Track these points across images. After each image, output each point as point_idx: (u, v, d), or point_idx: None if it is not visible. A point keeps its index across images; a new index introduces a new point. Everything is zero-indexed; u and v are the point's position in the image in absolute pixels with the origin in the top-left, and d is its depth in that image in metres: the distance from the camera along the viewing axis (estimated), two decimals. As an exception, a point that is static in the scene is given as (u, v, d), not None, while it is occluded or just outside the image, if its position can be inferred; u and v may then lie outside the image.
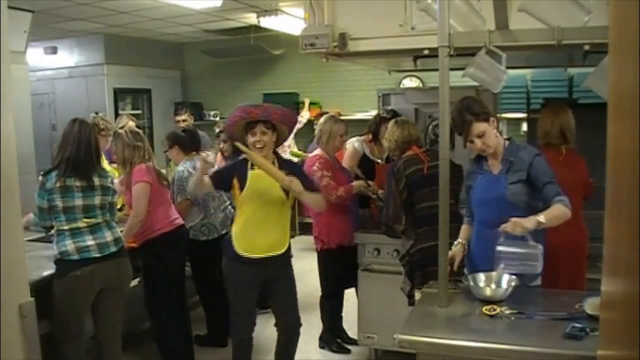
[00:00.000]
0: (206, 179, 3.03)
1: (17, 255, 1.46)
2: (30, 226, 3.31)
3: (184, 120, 5.81)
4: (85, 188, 2.98)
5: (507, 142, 2.58)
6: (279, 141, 3.18)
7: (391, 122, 3.52)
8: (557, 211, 2.34)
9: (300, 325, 3.27)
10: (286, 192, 3.05)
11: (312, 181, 3.31)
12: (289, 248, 3.15)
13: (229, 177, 3.08)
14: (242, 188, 3.02)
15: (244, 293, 3.13)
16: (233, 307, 3.20)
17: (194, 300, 4.29)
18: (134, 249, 3.41)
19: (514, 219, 2.28)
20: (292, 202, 3.14)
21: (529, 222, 2.27)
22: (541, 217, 2.29)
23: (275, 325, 3.27)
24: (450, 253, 2.52)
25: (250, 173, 3.02)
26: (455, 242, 2.66)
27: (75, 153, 2.96)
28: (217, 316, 4.17)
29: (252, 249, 3.02)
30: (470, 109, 2.49)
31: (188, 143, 4.09)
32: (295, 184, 2.95)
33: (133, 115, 7.70)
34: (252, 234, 3.03)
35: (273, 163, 3.07)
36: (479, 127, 2.47)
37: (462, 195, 2.94)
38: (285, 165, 3.14)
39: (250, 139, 3.03)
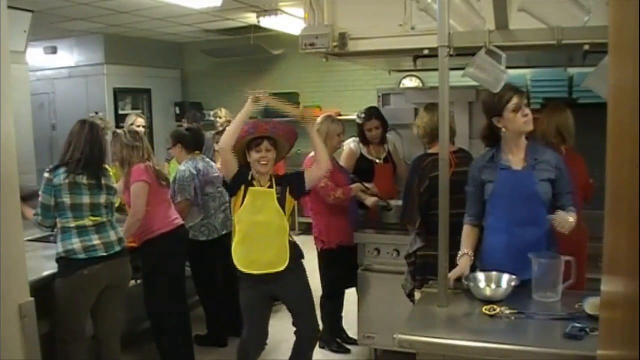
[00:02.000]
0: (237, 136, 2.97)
1: (17, 255, 1.46)
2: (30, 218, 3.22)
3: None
4: (93, 186, 3.01)
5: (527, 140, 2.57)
6: (279, 158, 3.18)
7: (422, 107, 3.37)
8: (575, 219, 2.45)
9: (315, 331, 3.25)
10: (282, 205, 3.04)
11: (301, 173, 3.27)
12: (292, 263, 3.06)
13: (242, 179, 3.04)
14: (241, 203, 3.01)
15: (252, 308, 3.15)
16: (244, 321, 3.21)
17: (194, 300, 4.29)
18: (134, 249, 3.41)
19: (560, 217, 2.36)
20: (289, 214, 3.10)
21: (571, 220, 2.35)
22: (573, 217, 2.38)
23: (295, 332, 3.24)
24: (459, 269, 2.46)
25: (249, 190, 3.01)
26: (460, 254, 2.54)
27: (90, 153, 3.00)
28: (217, 316, 4.17)
29: (250, 265, 3.01)
30: (510, 85, 2.48)
31: (191, 142, 4.09)
32: (311, 118, 3.03)
33: (133, 115, 7.70)
34: (250, 250, 3.01)
35: (270, 179, 3.07)
36: (522, 99, 2.47)
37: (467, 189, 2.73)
38: (282, 179, 3.14)
39: (255, 156, 3.02)
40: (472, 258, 2.55)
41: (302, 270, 3.21)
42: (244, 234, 3.01)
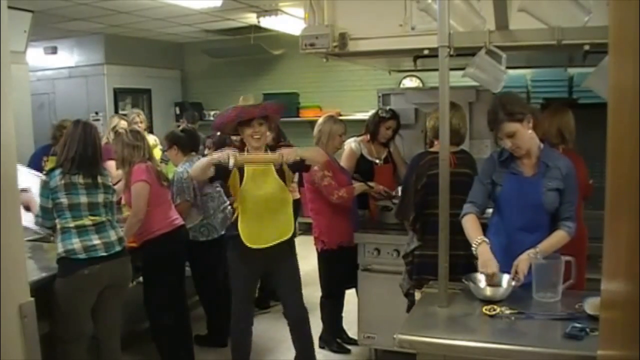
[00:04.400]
0: (211, 168, 3.02)
1: (17, 255, 1.46)
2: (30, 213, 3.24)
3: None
4: (90, 185, 3.01)
5: (542, 145, 2.53)
6: (270, 127, 3.29)
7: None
8: (555, 239, 2.44)
9: (305, 310, 3.30)
10: (282, 177, 3.09)
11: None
12: (295, 232, 3.20)
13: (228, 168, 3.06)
14: (240, 182, 3.06)
15: (248, 282, 3.24)
16: (235, 297, 3.26)
17: (194, 300, 4.29)
18: (134, 249, 3.41)
19: (518, 268, 2.36)
20: (289, 184, 3.18)
21: (525, 268, 2.35)
22: (537, 249, 2.37)
23: (284, 314, 3.33)
24: (491, 260, 2.37)
25: (246, 167, 3.05)
26: (478, 242, 2.41)
27: (83, 151, 3.00)
28: (217, 316, 4.17)
29: (259, 240, 3.08)
30: (505, 107, 2.43)
31: (187, 143, 4.08)
32: (287, 152, 2.95)
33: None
34: (258, 226, 3.08)
35: (265, 150, 3.13)
36: (510, 127, 2.42)
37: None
38: (276, 149, 3.16)
39: (247, 131, 3.06)
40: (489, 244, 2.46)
41: (295, 250, 3.32)
42: (249, 211, 3.06)
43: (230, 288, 3.31)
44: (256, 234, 3.07)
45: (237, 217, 3.10)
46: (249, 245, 3.05)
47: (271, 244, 3.08)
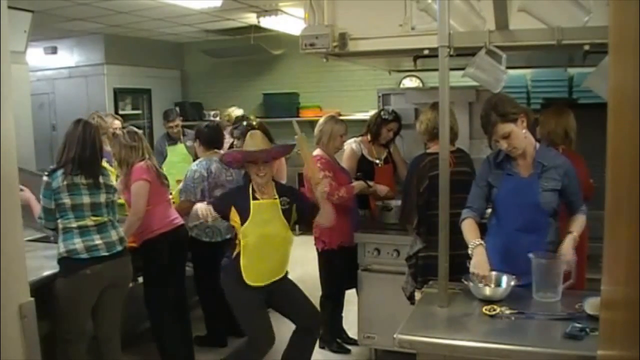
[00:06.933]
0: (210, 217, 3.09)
1: (17, 255, 1.46)
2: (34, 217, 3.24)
3: (176, 126, 5.85)
4: (92, 186, 3.01)
5: (537, 144, 2.53)
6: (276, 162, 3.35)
7: (427, 106, 3.36)
8: (581, 221, 2.53)
9: (319, 321, 3.29)
10: (287, 218, 3.09)
11: (311, 205, 3.28)
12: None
13: (227, 208, 3.08)
14: (244, 219, 3.01)
15: (258, 315, 3.14)
16: (249, 327, 3.16)
17: (194, 300, 4.29)
18: (134, 249, 3.41)
19: (564, 256, 2.40)
20: (292, 224, 3.18)
21: (570, 249, 2.41)
22: (575, 234, 2.45)
23: (295, 323, 3.22)
24: (483, 262, 2.38)
25: (252, 203, 3.02)
26: (473, 245, 2.43)
27: (81, 152, 2.99)
28: (217, 316, 4.17)
29: (260, 278, 3.06)
30: (497, 108, 2.43)
31: (207, 139, 4.06)
32: (324, 183, 3.11)
33: (133, 115, 7.69)
34: (259, 263, 3.05)
35: (273, 187, 3.13)
36: (505, 128, 2.42)
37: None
38: (284, 191, 3.17)
39: (252, 168, 3.05)
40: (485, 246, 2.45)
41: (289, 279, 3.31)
42: (250, 248, 3.01)
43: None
44: (256, 272, 3.04)
45: (237, 254, 3.05)
46: (248, 282, 3.02)
47: (269, 282, 3.08)
